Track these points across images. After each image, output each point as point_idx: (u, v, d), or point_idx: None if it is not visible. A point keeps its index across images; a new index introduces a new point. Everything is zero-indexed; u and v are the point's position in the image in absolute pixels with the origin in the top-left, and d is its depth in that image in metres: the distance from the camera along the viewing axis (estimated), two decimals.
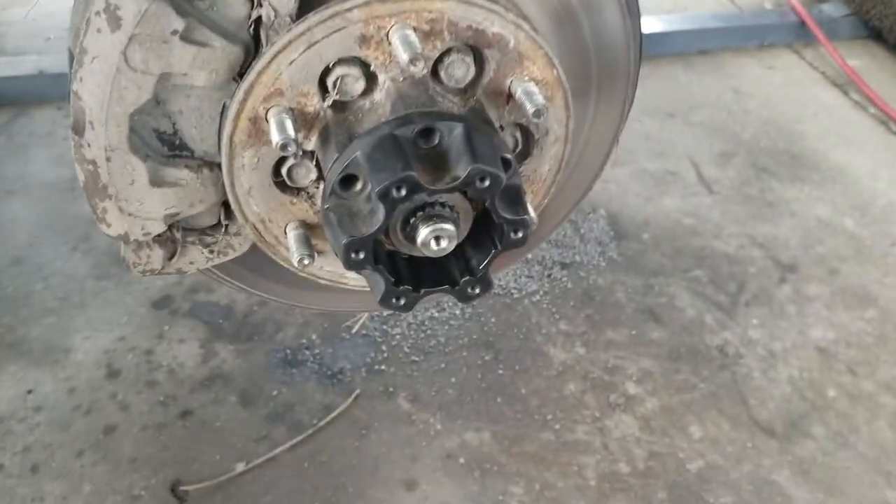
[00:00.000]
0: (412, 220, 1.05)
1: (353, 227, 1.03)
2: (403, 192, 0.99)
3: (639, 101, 3.08)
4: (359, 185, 1.07)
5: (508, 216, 1.04)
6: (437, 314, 2.29)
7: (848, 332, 2.30)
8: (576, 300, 2.35)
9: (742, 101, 3.18)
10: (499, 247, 1.08)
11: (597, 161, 1.39)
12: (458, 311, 2.30)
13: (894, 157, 2.94)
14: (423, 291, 1.11)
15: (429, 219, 1.04)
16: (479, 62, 1.10)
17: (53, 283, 2.29)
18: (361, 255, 1.03)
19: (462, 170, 0.99)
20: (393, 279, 1.08)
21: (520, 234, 1.06)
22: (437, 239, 1.04)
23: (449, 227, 1.04)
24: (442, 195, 1.04)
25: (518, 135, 1.18)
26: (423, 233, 1.04)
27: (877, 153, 2.96)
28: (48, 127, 2.83)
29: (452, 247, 1.05)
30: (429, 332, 2.24)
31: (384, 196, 0.98)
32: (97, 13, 0.95)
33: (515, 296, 2.35)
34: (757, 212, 2.67)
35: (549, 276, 2.42)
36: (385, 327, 2.24)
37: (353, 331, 2.23)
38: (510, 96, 1.12)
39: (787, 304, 2.38)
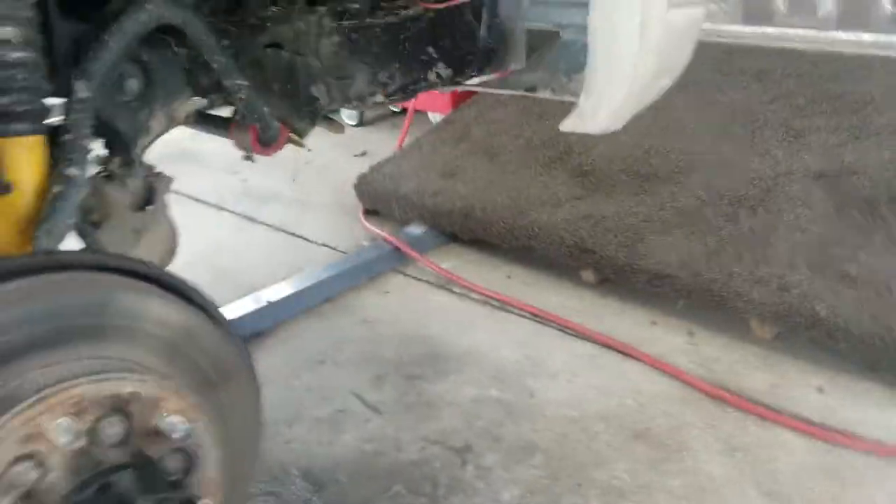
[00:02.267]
0: None
1: None
2: None
3: (289, 361, 3.56)
4: None
5: None
6: None
7: (527, 482, 2.81)
8: None
9: (374, 328, 3.81)
10: None
11: (253, 443, 1.77)
12: None
13: (502, 326, 3.74)
14: None
15: None
16: (126, 416, 1.44)
17: None
18: None
19: None
20: None
21: None
22: None
23: None
24: None
25: (181, 456, 1.52)
26: None
27: (489, 328, 3.73)
28: None
29: None
30: None
31: None
32: None
33: None
34: (421, 414, 3.19)
35: None
36: None
37: None
38: (159, 432, 1.47)
39: (475, 480, 2.85)
